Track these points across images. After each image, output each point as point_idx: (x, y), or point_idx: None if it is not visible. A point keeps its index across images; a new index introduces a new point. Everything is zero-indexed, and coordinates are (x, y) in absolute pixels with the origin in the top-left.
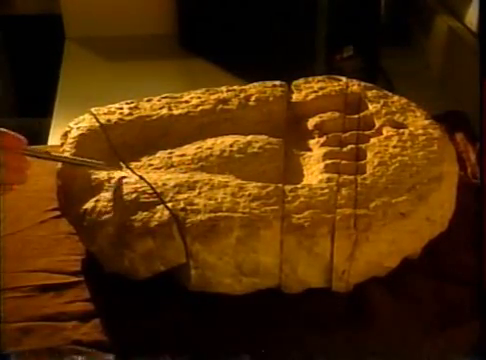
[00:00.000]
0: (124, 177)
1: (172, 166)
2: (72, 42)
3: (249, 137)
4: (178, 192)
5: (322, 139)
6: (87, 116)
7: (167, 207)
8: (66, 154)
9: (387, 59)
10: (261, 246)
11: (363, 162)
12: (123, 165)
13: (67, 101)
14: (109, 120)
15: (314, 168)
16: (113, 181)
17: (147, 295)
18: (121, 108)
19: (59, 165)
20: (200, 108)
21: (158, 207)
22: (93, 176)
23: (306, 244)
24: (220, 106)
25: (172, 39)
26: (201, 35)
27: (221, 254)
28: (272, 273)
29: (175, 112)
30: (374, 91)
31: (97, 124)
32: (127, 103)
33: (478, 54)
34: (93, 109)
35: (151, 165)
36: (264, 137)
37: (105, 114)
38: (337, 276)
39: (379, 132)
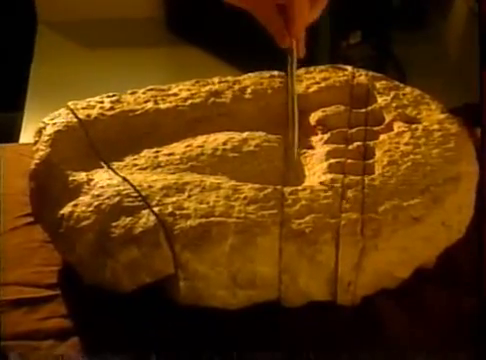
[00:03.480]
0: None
1: (159, 166)
2: (46, 27)
3: (245, 134)
4: (166, 195)
5: (325, 136)
6: (63, 111)
7: (153, 212)
8: (40, 153)
9: (399, 45)
10: (258, 255)
11: (371, 161)
12: (104, 165)
13: (41, 94)
14: (88, 115)
15: (317, 168)
16: (93, 183)
17: (131, 310)
18: (102, 102)
19: (32, 165)
20: (190, 102)
21: (143, 212)
22: (71, 178)
23: (308, 252)
24: (212, 99)
25: (158, 23)
26: (190, 18)
27: (214, 264)
28: (270, 285)
29: (162, 106)
30: (384, 82)
31: (75, 120)
32: (108, 96)
33: (478, 46)
34: (70, 103)
35: (136, 165)
36: (261, 134)
37: (84, 108)
38: (342, 288)
39: (389, 128)
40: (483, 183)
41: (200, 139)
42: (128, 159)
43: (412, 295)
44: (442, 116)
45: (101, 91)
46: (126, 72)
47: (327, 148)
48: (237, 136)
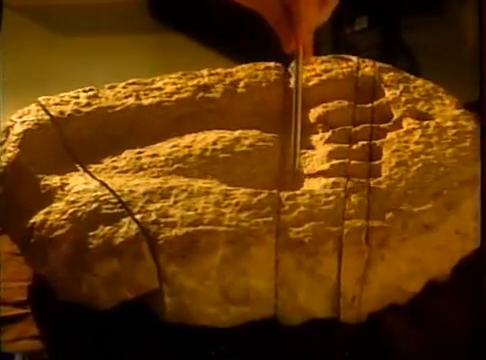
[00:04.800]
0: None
1: (141, 169)
2: (12, 12)
3: (237, 132)
4: (149, 201)
5: (327, 134)
6: (34, 107)
7: (135, 220)
8: (8, 155)
9: (411, 32)
10: (252, 267)
11: (377, 162)
12: (80, 168)
13: (7, 87)
14: (62, 112)
15: (317, 170)
16: (68, 188)
17: (111, 329)
18: (77, 97)
19: None
20: (176, 97)
21: (124, 220)
22: (43, 182)
23: (307, 264)
24: (201, 94)
25: (140, 7)
26: (176, 3)
27: (202, 277)
28: (266, 300)
29: (145, 102)
30: (392, 73)
31: (47, 117)
32: (84, 90)
33: (480, 40)
34: (41, 98)
35: (115, 168)
36: (256, 132)
37: (57, 104)
38: (346, 303)
39: (398, 125)
40: (483, 184)
41: (187, 138)
42: (107, 161)
43: (424, 311)
44: (457, 112)
45: (76, 84)
46: (104, 63)
47: (328, 148)
48: (228, 135)
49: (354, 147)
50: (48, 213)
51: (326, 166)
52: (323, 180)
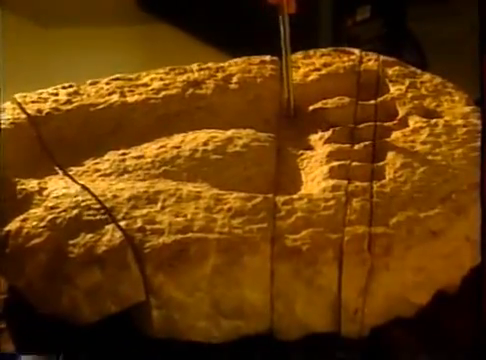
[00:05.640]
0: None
1: (126, 172)
2: None
3: (229, 132)
4: (134, 207)
5: (327, 133)
6: (9, 105)
7: (119, 227)
8: None
9: (418, 22)
10: (246, 277)
11: (381, 164)
12: (60, 171)
13: None
14: (40, 110)
15: (316, 172)
16: (47, 193)
17: (94, 345)
18: (56, 94)
19: None
20: (163, 94)
21: (107, 227)
22: (19, 186)
23: (305, 274)
24: (190, 91)
25: None
26: None
27: (193, 289)
28: (261, 313)
29: (130, 99)
30: (397, 68)
31: (23, 116)
32: (64, 87)
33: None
34: (17, 95)
35: (98, 171)
36: (250, 132)
37: (34, 102)
38: (348, 316)
39: (403, 123)
40: (483, 177)
41: (176, 139)
42: (89, 163)
43: (432, 325)
44: (467, 109)
45: (56, 80)
46: (86, 57)
47: (329, 148)
48: (220, 135)
49: (356, 147)
50: (25, 220)
51: (325, 168)
52: (322, 183)
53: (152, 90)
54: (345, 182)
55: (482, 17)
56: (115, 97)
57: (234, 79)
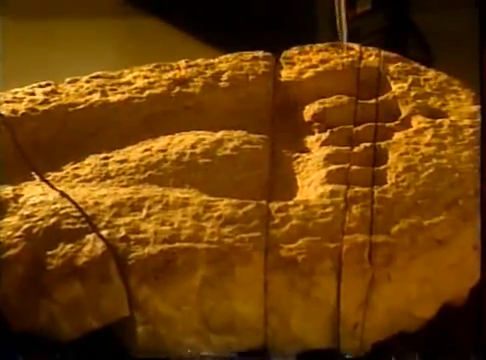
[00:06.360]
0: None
1: (108, 177)
2: None
3: (220, 134)
4: (117, 215)
5: (324, 135)
6: None
7: (101, 236)
8: None
9: (424, 14)
10: (237, 290)
11: (383, 167)
12: (37, 176)
13: None
14: (15, 111)
15: (313, 177)
16: (22, 200)
17: None
18: (32, 93)
19: None
20: (148, 92)
21: (88, 237)
22: None
23: (301, 286)
24: (177, 89)
25: None
26: None
27: (180, 302)
28: (254, 328)
29: (112, 98)
30: (400, 64)
31: None
32: (41, 85)
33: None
34: None
35: (78, 176)
36: (241, 133)
37: (8, 102)
38: (347, 332)
39: (406, 124)
40: (483, 176)
41: (162, 141)
42: (68, 168)
43: (438, 340)
44: (475, 108)
45: (34, 77)
46: (66, 52)
47: (326, 151)
48: (209, 137)
49: (355, 150)
50: None
51: (323, 172)
52: (319, 188)
53: (136, 89)
54: (344, 187)
55: (481, 11)
56: (96, 96)
57: (224, 76)
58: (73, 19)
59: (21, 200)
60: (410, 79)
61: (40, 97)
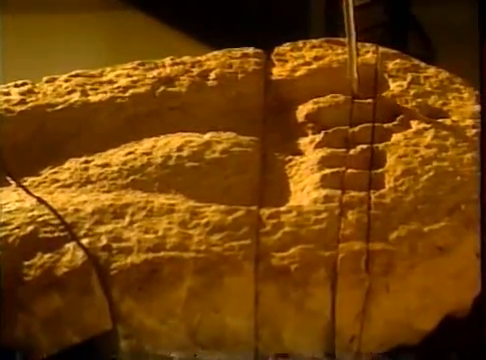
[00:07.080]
0: None
1: (89, 182)
2: None
3: (207, 135)
4: (98, 222)
5: (318, 136)
6: None
7: (82, 245)
8: None
9: (425, 7)
10: (226, 302)
11: (380, 170)
12: (12, 182)
13: None
14: None
15: (306, 181)
16: None
17: None
18: (7, 93)
19: None
20: (131, 92)
21: (68, 245)
22: None
23: (294, 297)
24: (162, 88)
25: None
26: None
27: (166, 315)
28: (244, 342)
29: (92, 98)
30: (398, 60)
31: None
32: (17, 85)
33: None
34: None
35: (56, 181)
36: (230, 135)
37: None
38: (343, 345)
39: (405, 124)
40: (483, 175)
41: (146, 143)
42: (46, 172)
43: (439, 353)
44: (477, 108)
45: (10, 76)
46: (44, 48)
47: (320, 153)
48: (197, 139)
49: (351, 152)
50: None
51: (317, 176)
52: (313, 193)
53: (118, 88)
54: (339, 192)
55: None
56: (76, 96)
57: (212, 75)
58: (49, 12)
59: None
60: (409, 77)
61: (16, 97)
